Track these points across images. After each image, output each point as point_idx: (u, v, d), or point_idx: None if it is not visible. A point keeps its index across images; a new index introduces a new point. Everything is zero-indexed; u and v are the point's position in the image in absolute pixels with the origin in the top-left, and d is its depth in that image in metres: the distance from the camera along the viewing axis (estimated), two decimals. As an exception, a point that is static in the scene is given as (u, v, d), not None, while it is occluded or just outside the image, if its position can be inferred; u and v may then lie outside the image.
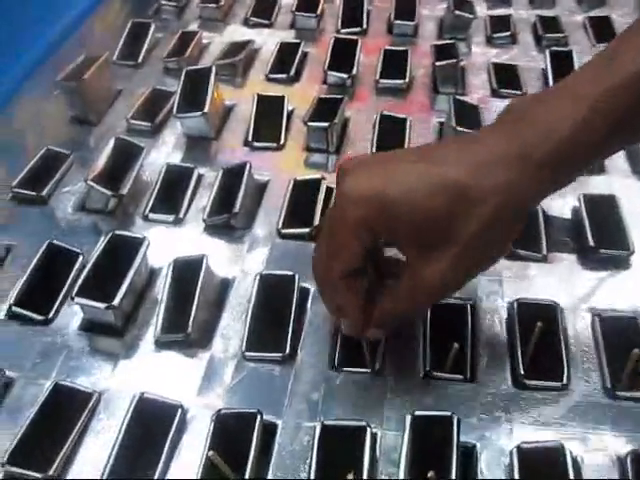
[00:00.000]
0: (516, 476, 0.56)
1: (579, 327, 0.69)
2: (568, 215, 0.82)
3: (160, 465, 0.57)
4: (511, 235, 0.59)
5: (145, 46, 1.07)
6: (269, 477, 0.57)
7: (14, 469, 0.57)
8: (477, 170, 0.55)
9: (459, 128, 0.86)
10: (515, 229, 0.58)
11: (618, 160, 0.89)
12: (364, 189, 0.56)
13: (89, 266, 0.68)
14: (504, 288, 0.72)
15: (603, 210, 0.79)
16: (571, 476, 0.56)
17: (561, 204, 0.82)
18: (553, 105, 0.57)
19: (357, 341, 0.64)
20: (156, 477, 0.56)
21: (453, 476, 0.54)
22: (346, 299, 0.61)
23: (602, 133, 0.55)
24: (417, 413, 0.58)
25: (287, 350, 0.65)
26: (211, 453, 0.56)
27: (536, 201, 0.61)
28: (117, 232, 0.72)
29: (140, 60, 1.06)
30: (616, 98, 0.54)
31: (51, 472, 0.57)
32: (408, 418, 0.58)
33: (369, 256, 0.59)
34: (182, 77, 0.92)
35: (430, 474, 0.53)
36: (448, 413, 0.58)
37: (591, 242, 0.75)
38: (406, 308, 0.61)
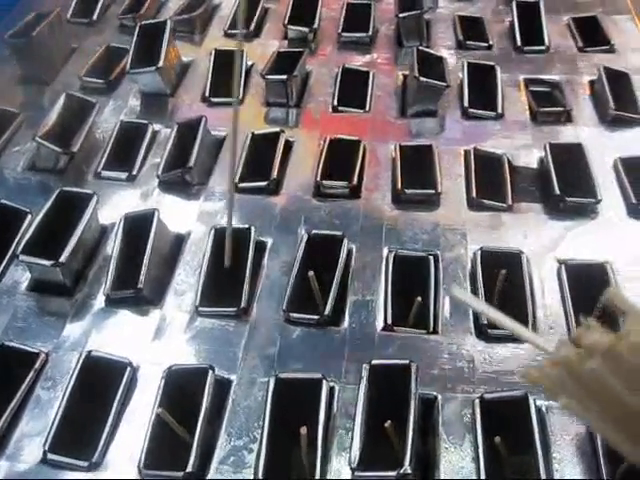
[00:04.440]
0: (478, 428, 0.54)
1: (545, 275, 0.67)
2: (534, 164, 0.79)
3: (108, 425, 0.55)
4: None
5: (100, 3, 1.03)
6: (222, 434, 0.55)
7: (-45, 431, 0.54)
8: None
9: (422, 79, 0.83)
10: None
11: (585, 109, 0.87)
12: None
13: (35, 224, 0.66)
14: (468, 239, 0.70)
15: (570, 159, 0.77)
16: (535, 427, 0.54)
17: (527, 153, 0.80)
18: None
19: (308, 285, 0.62)
20: (103, 437, 0.54)
21: (411, 426, 0.52)
22: None
23: None
24: (374, 362, 0.56)
25: (242, 304, 0.63)
26: (160, 410, 0.53)
27: None
28: (65, 189, 0.69)
29: (95, 17, 1.02)
30: None
31: (-8, 435, 0.54)
32: (365, 367, 0.56)
33: None
34: (136, 32, 0.89)
35: (387, 424, 0.51)
36: (406, 361, 0.56)
37: (557, 191, 0.73)
38: None
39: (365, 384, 0.55)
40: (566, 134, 0.83)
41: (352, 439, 0.52)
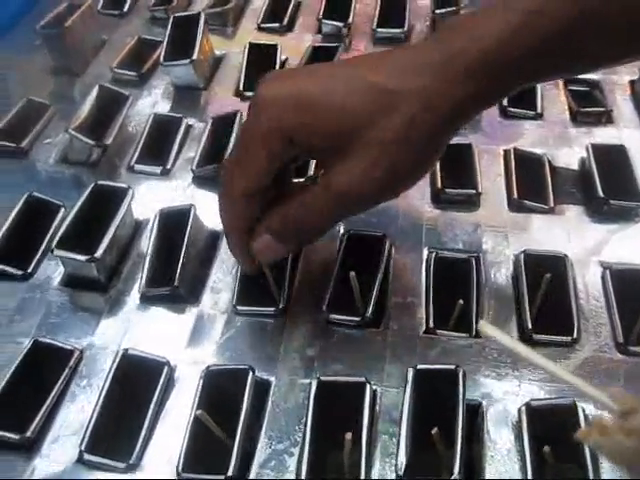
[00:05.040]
0: (525, 435, 0.53)
1: (589, 280, 0.65)
2: (575, 166, 0.78)
3: (145, 426, 0.54)
4: (431, 150, 0.54)
5: (131, -6, 1.02)
6: (262, 437, 0.54)
7: (-11, 430, 0.53)
8: (398, 74, 0.52)
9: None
10: (435, 143, 0.54)
11: (626, 110, 0.85)
12: (279, 91, 0.53)
13: (70, 218, 0.64)
14: (510, 240, 0.69)
15: (612, 160, 0.75)
16: (584, 434, 0.52)
17: (568, 154, 0.79)
18: (484, 16, 0.53)
19: (348, 286, 0.60)
20: (140, 439, 0.53)
21: (459, 434, 0.50)
22: (240, 219, 0.57)
23: (531, 48, 0.51)
24: (419, 367, 0.55)
25: (281, 304, 0.61)
26: (200, 412, 0.52)
27: (459, 114, 0.54)
28: (100, 182, 0.68)
29: (126, 9, 1.01)
30: (545, 15, 0.50)
31: (29, 433, 0.53)
32: (410, 372, 0.54)
33: (277, 179, 0.56)
34: (170, 24, 0.88)
35: (434, 431, 0.50)
36: (452, 366, 0.54)
37: (600, 193, 0.71)
38: (315, 217, 0.56)
39: (410, 389, 0.53)
40: (607, 135, 0.81)
41: (398, 445, 0.51)
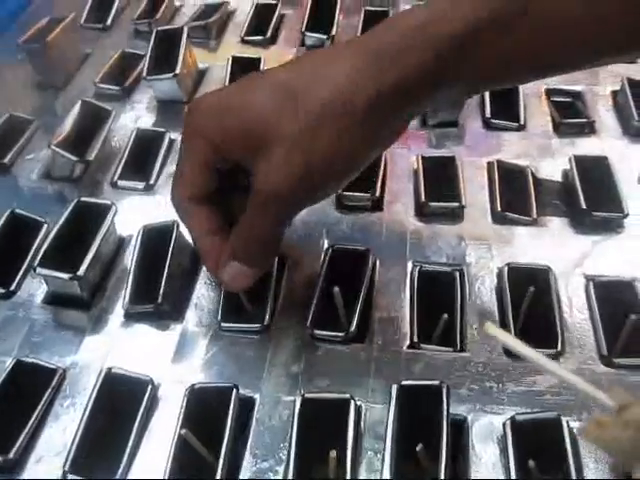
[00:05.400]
0: (510, 450, 0.53)
1: (572, 292, 0.66)
2: (558, 177, 0.78)
3: (129, 445, 0.53)
4: (352, 140, 0.53)
5: (114, 8, 1.02)
6: (246, 455, 0.53)
7: (-29, 452, 0.53)
8: (309, 68, 0.54)
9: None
10: (355, 134, 0.52)
11: (608, 121, 0.85)
12: (203, 100, 0.56)
13: (52, 235, 0.64)
14: (493, 253, 0.69)
15: (595, 172, 0.76)
16: (568, 449, 0.52)
17: (551, 165, 0.79)
18: (405, 13, 0.54)
19: (331, 301, 0.60)
20: (125, 459, 0.52)
21: (444, 449, 0.50)
22: (193, 226, 0.58)
23: (453, 35, 0.50)
24: (404, 383, 0.55)
25: (266, 321, 0.61)
26: (184, 431, 0.52)
27: (377, 102, 0.52)
28: (82, 199, 0.67)
29: (109, 22, 1.01)
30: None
31: (11, 455, 0.53)
32: (394, 388, 0.54)
33: (223, 183, 0.57)
34: (152, 38, 0.88)
35: (419, 448, 0.50)
36: (437, 382, 0.54)
37: (583, 205, 0.72)
38: (256, 226, 0.55)
39: (395, 405, 0.53)
40: (590, 146, 0.82)
41: (383, 461, 0.51)
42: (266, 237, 0.57)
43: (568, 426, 0.54)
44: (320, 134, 0.52)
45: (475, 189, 0.76)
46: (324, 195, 0.58)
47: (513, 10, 0.50)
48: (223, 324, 0.62)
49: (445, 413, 0.52)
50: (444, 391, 0.53)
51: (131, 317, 0.63)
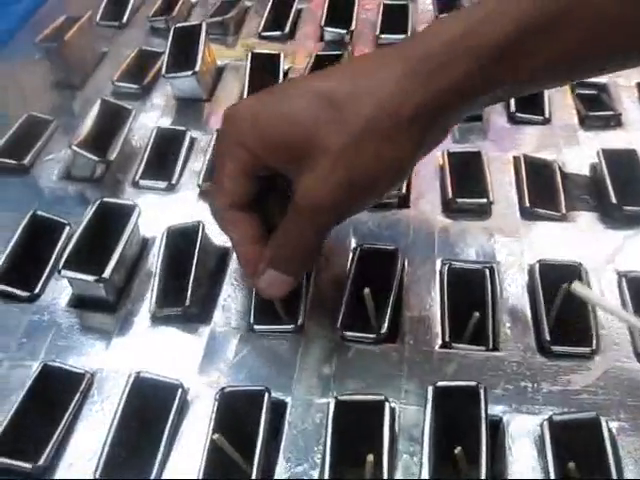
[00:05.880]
0: (548, 451, 0.52)
1: (605, 288, 0.64)
2: (586, 171, 0.77)
3: (160, 451, 0.52)
4: (397, 152, 0.52)
5: (130, 5, 1.01)
6: (280, 460, 0.52)
7: (1, 459, 0.52)
8: (350, 78, 0.52)
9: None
10: (400, 145, 0.52)
11: (634, 113, 0.84)
12: (239, 108, 0.55)
13: (76, 237, 0.63)
14: (523, 249, 0.68)
15: (623, 165, 0.74)
16: (608, 450, 0.51)
17: (577, 159, 0.77)
18: (449, 19, 0.53)
19: (361, 301, 0.59)
20: (156, 465, 0.52)
21: (484, 452, 0.49)
22: (234, 233, 0.57)
23: (492, 46, 0.49)
24: (439, 384, 0.53)
25: (299, 321, 0.60)
26: (216, 436, 0.51)
27: (423, 111, 0.51)
28: (105, 199, 0.66)
29: (125, 20, 1.00)
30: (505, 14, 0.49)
31: (41, 462, 0.52)
32: (430, 390, 0.53)
33: (262, 188, 0.56)
34: (171, 35, 0.87)
35: (457, 451, 0.49)
36: (473, 383, 0.53)
37: (613, 199, 0.70)
38: (295, 236, 0.55)
39: (430, 406, 0.52)
40: (616, 139, 0.80)
41: (421, 464, 0.50)
42: (304, 247, 0.56)
43: (607, 426, 0.53)
44: (364, 147, 0.51)
45: (502, 184, 0.74)
46: (364, 207, 0.57)
47: (561, 7, 0.49)
48: (256, 326, 0.61)
49: (483, 414, 0.51)
50: (481, 392, 0.52)
51: (158, 320, 0.62)
